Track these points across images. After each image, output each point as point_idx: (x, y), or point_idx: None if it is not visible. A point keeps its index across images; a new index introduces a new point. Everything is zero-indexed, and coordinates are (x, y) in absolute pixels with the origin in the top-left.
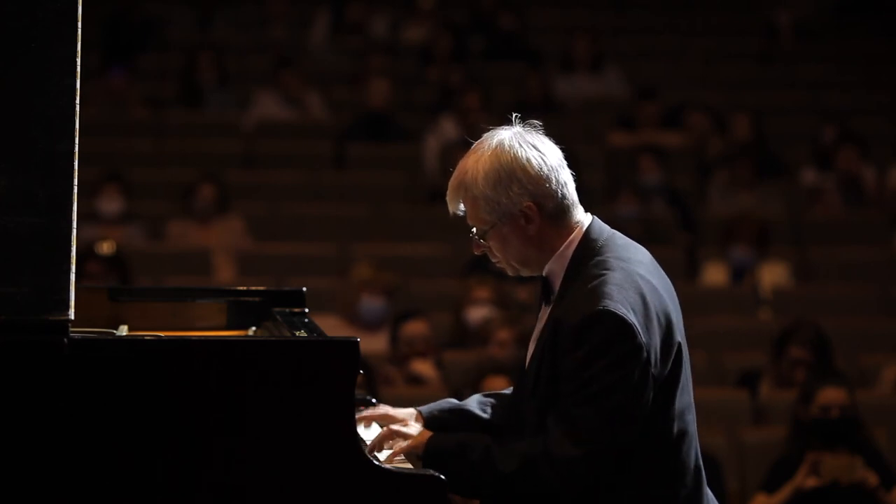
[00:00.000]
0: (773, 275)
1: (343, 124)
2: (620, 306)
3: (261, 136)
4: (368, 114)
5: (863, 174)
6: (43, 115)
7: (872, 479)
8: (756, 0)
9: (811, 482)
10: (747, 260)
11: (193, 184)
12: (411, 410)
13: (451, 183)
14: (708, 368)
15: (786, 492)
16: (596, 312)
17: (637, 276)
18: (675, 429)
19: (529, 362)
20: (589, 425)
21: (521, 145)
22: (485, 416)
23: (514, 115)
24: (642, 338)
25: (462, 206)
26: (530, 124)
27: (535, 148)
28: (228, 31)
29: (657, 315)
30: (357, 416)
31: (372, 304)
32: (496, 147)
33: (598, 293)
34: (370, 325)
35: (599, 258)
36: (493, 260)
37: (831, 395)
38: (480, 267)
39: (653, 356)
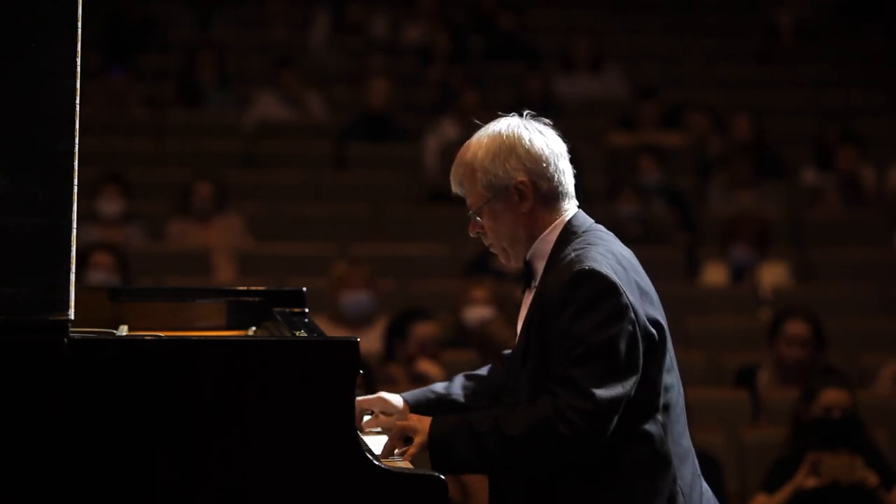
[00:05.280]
0: (773, 275)
1: (343, 124)
2: (605, 268)
3: (261, 136)
4: (368, 114)
5: (863, 174)
6: (43, 115)
7: (872, 479)
8: (756, 0)
9: (811, 482)
10: (747, 260)
11: (191, 183)
12: (398, 397)
13: (456, 160)
14: (708, 368)
15: (786, 492)
16: (581, 271)
17: (618, 252)
18: (661, 402)
19: (518, 340)
20: (589, 382)
21: (526, 127)
22: (468, 402)
23: (524, 112)
24: (627, 297)
25: (463, 186)
26: (539, 118)
27: (539, 133)
28: (228, 31)
29: (637, 284)
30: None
31: (353, 297)
32: (502, 126)
33: (581, 258)
34: (355, 322)
35: (581, 238)
36: (486, 243)
37: (833, 397)
38: (480, 267)
39: (638, 316)
